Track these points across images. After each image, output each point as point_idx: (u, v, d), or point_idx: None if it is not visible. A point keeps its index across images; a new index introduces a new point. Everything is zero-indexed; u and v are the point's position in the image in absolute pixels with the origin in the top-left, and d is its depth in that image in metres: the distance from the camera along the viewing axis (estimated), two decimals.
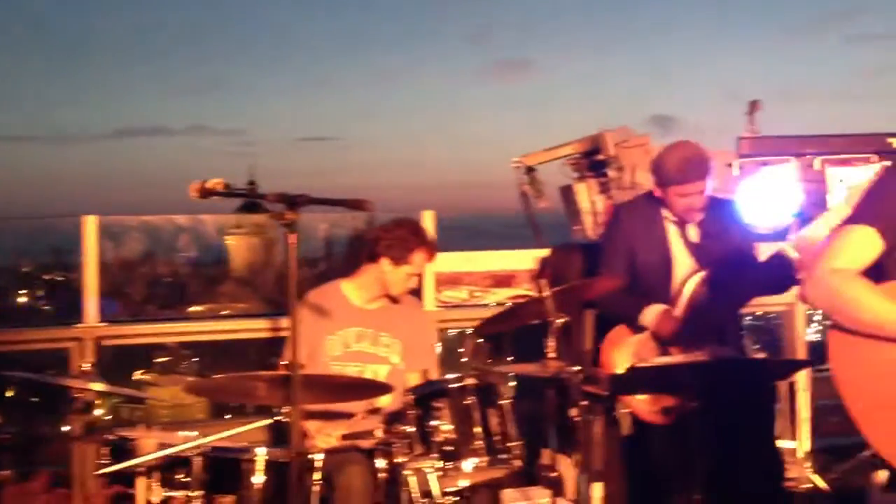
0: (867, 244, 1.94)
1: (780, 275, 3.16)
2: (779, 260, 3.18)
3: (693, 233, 3.56)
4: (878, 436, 1.91)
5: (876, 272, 1.98)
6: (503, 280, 4.71)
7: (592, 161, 4.82)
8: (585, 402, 2.73)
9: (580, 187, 4.78)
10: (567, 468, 3.45)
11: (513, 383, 3.00)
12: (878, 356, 1.90)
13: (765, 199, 4.10)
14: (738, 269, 3.44)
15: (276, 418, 2.88)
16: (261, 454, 2.83)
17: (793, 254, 3.12)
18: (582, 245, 4.41)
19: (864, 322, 1.90)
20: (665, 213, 3.56)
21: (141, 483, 2.86)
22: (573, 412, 2.74)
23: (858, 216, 1.98)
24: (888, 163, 2.35)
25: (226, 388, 2.97)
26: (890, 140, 4.15)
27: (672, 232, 3.57)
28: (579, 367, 2.75)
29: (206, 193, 2.30)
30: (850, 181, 3.96)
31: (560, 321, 3.08)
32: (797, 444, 4.52)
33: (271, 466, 2.84)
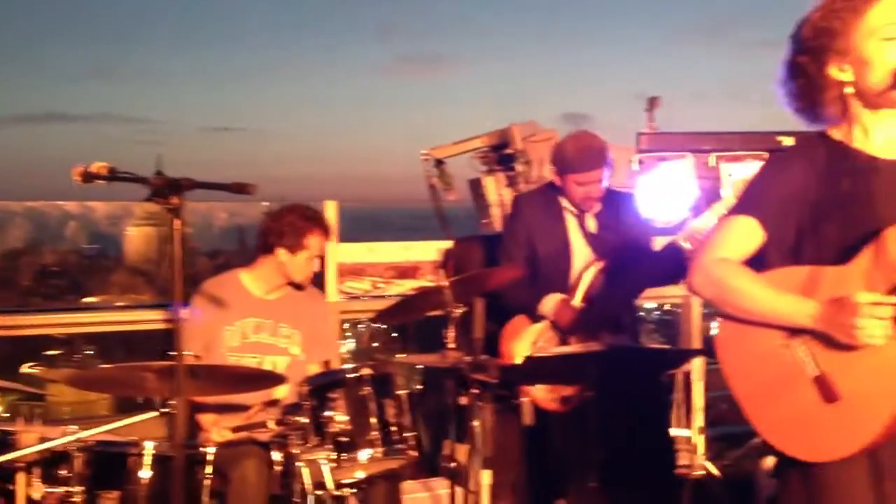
0: (749, 234, 1.98)
1: (674, 265, 3.23)
2: (672, 251, 3.26)
3: (591, 223, 3.62)
4: (762, 422, 1.95)
5: (759, 261, 2.03)
6: (407, 271, 4.69)
7: (501, 155, 4.85)
8: (475, 390, 2.72)
9: (488, 181, 4.81)
10: (466, 457, 3.46)
11: (420, 375, 2.99)
12: (760, 343, 1.94)
13: (662, 194, 4.21)
14: (634, 260, 3.51)
15: (163, 410, 2.79)
16: (148, 448, 2.73)
17: (685, 245, 3.19)
18: (485, 237, 4.43)
19: (746, 309, 1.94)
20: (564, 203, 3.61)
21: (21, 478, 2.73)
22: (463, 400, 2.74)
23: (740, 207, 2.02)
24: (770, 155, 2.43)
25: (112, 379, 2.86)
26: (780, 138, 4.29)
27: (571, 222, 3.62)
28: (469, 355, 2.75)
29: (89, 178, 2.20)
30: (738, 175, 4.09)
31: (459, 311, 3.09)
32: (692, 432, 4.64)
33: (160, 461, 2.74)
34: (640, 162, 4.49)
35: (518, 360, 3.41)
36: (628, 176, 4.49)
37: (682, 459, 4.33)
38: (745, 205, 2.02)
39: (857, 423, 1.79)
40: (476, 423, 2.73)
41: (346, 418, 2.79)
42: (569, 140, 3.56)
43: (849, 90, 1.88)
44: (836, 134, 1.96)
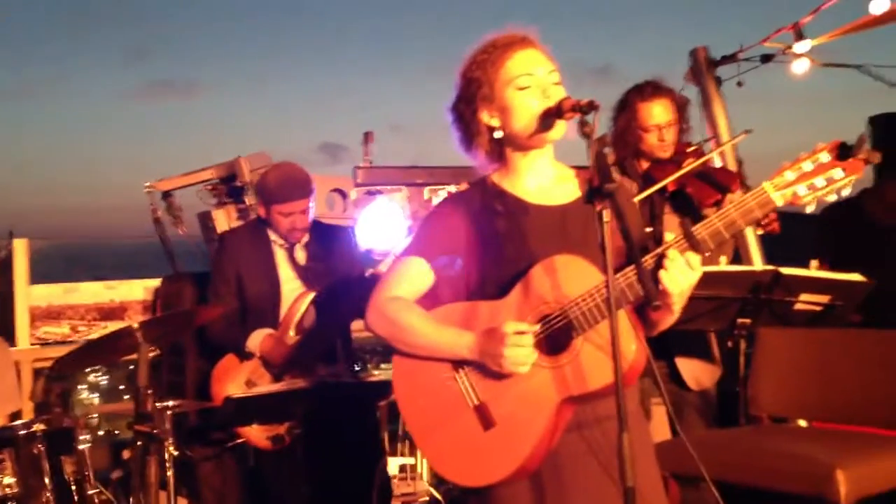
0: (419, 274, 2.05)
1: None
2: (376, 280, 3.28)
3: (301, 255, 3.58)
4: (431, 451, 1.99)
5: (434, 297, 2.09)
6: (112, 312, 4.39)
7: (230, 187, 4.74)
8: (139, 442, 2.56)
9: (218, 214, 4.68)
10: None
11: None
12: (429, 377, 1.99)
13: (378, 225, 4.31)
14: (345, 290, 3.51)
15: None
16: None
17: None
18: (197, 274, 4.26)
19: (414, 344, 1.99)
20: (273, 236, 3.55)
21: None
22: (125, 454, 2.58)
23: (410, 249, 2.09)
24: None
25: None
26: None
27: (280, 255, 3.56)
28: (136, 405, 2.59)
29: None
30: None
31: (153, 353, 2.91)
32: (416, 460, 4.71)
33: None
34: (358, 194, 4.60)
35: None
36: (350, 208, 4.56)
37: (404, 488, 4.37)
38: (414, 247, 2.09)
39: (509, 447, 1.87)
40: (140, 477, 2.55)
41: (14, 480, 2.52)
42: (271, 171, 3.53)
43: (498, 135, 1.99)
44: (494, 177, 2.06)
